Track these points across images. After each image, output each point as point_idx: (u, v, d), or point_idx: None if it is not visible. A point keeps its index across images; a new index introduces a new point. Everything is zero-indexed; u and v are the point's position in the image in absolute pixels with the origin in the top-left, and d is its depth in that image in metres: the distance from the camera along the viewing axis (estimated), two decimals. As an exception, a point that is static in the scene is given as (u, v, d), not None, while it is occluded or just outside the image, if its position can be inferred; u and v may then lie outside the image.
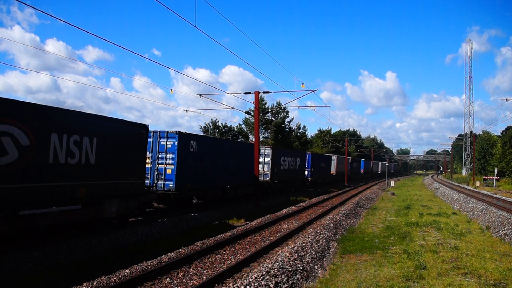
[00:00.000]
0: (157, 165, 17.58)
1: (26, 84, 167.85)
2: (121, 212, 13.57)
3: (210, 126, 53.65)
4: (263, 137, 58.39)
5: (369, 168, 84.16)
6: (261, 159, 27.52)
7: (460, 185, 54.54)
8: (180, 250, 10.69)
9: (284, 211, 20.00)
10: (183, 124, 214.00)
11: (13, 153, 9.67)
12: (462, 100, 77.42)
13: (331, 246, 12.03)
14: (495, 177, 49.61)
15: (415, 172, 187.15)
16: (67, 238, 11.50)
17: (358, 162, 71.68)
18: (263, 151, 28.39)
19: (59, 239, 11.31)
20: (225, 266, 9.52)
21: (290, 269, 8.79)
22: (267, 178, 28.49)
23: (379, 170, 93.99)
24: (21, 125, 9.85)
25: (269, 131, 59.82)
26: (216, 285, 8.01)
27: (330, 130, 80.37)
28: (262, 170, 27.99)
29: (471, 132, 73.05)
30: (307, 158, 39.20)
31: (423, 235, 13.71)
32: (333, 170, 51.13)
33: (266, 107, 58.15)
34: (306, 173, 39.06)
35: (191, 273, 8.90)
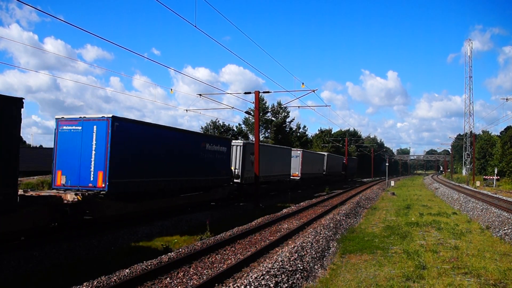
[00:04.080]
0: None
1: (26, 83, 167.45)
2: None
3: (210, 126, 53.71)
4: (263, 137, 58.36)
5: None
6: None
7: (460, 185, 54.55)
8: (180, 250, 10.70)
9: (285, 211, 20.03)
10: (184, 124, 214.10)
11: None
12: (463, 100, 77.07)
13: (331, 246, 12.04)
14: (495, 177, 49.59)
15: (415, 172, 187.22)
16: (67, 238, 11.50)
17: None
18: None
19: (59, 239, 11.32)
20: (225, 266, 9.52)
21: (290, 269, 8.79)
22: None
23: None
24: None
25: (269, 131, 59.82)
26: (216, 285, 8.01)
27: (331, 130, 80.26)
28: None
29: (471, 132, 73.04)
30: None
31: (423, 235, 13.71)
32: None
33: (266, 106, 58.16)
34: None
35: (191, 273, 8.90)
